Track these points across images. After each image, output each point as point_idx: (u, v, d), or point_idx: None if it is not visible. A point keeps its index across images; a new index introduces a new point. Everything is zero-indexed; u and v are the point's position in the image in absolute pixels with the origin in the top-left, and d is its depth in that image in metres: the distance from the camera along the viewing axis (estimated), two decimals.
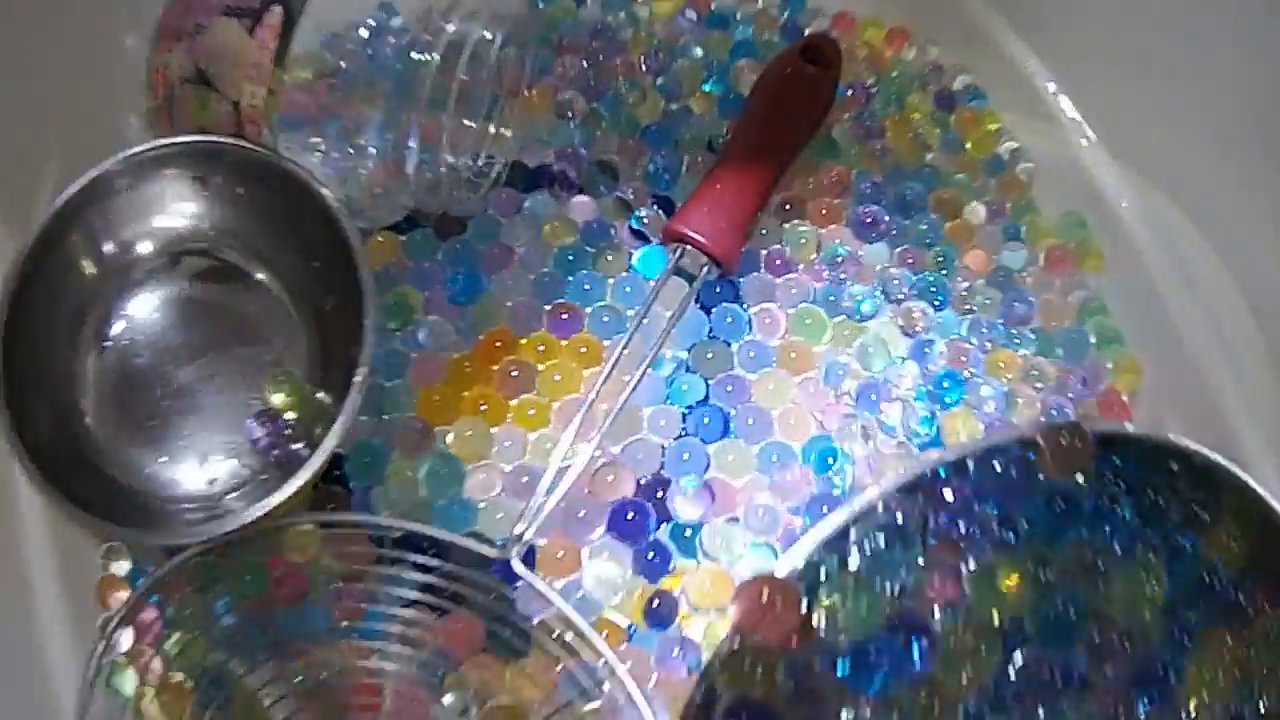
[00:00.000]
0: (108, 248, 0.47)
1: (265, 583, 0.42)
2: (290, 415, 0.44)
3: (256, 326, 0.47)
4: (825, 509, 0.44)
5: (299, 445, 0.44)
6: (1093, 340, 0.51)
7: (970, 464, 0.38)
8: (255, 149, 0.45)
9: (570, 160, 0.52)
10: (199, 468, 0.45)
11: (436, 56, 0.44)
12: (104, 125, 0.49)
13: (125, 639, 0.41)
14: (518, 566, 0.42)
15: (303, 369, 0.46)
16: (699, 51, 0.55)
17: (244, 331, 0.47)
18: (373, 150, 0.45)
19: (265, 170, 0.45)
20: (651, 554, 0.44)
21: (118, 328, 0.47)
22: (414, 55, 0.44)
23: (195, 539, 0.41)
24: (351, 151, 0.45)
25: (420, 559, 0.42)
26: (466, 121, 0.49)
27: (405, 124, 0.44)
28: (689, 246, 0.47)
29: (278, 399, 0.44)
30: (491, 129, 0.51)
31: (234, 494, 0.45)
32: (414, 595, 0.42)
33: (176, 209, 0.47)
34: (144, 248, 0.47)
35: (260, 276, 0.48)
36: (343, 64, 0.45)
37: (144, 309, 0.47)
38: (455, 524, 0.45)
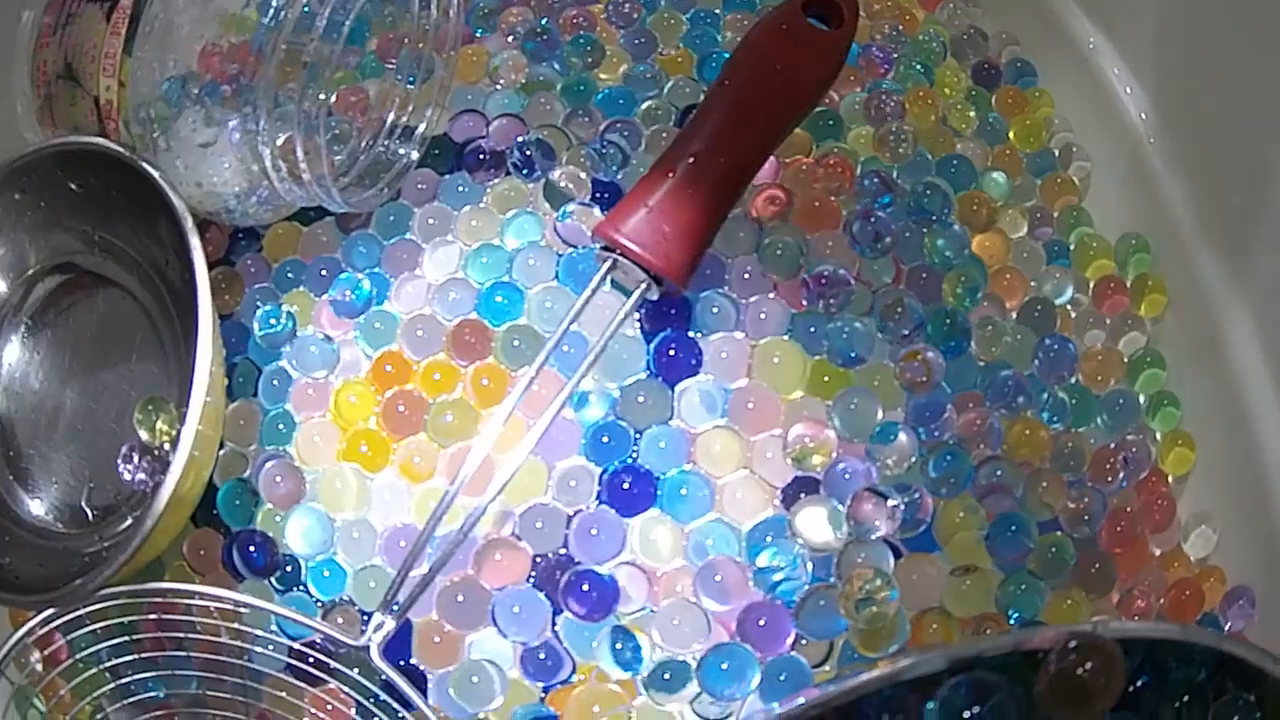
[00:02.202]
0: None
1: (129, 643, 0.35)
2: (165, 446, 0.35)
3: (127, 341, 0.38)
4: (763, 622, 0.31)
5: None
6: (1142, 403, 0.36)
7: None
8: (109, 148, 0.36)
9: (504, 135, 0.38)
10: (84, 502, 0.38)
11: (289, 15, 0.31)
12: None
13: (34, 657, 0.36)
14: (376, 659, 0.31)
15: (176, 386, 0.37)
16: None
17: (114, 349, 0.38)
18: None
19: (127, 171, 0.36)
20: (543, 655, 0.32)
21: None
22: (263, 18, 0.31)
23: (42, 605, 0.34)
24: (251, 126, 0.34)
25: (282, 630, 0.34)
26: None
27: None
28: (621, 256, 0.33)
29: (146, 434, 0.35)
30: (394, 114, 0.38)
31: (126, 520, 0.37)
32: (284, 660, 0.34)
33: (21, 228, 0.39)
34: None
35: (126, 285, 0.38)
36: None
37: (13, 352, 0.39)
38: (326, 587, 0.35)
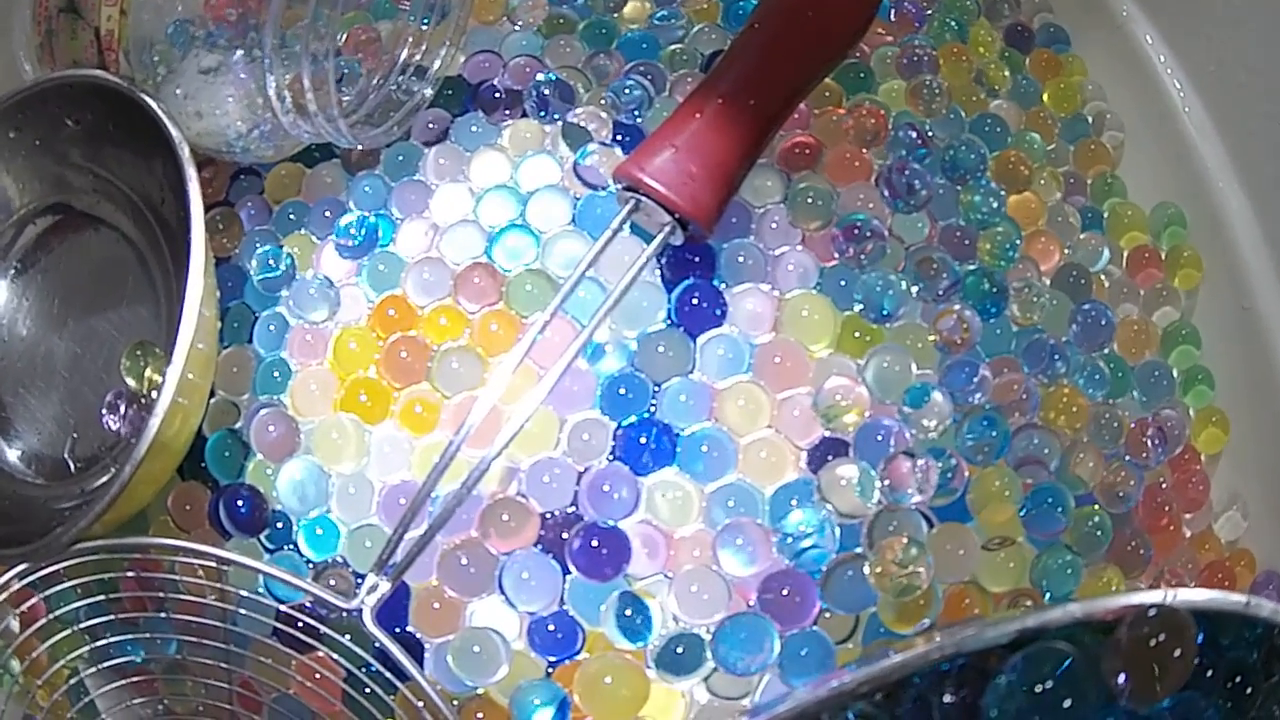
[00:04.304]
0: None
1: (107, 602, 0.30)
2: (153, 395, 0.30)
3: (118, 285, 0.34)
4: (786, 592, 0.26)
5: None
6: (1176, 378, 0.33)
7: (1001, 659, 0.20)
8: (108, 80, 0.31)
9: (522, 76, 0.34)
10: (67, 454, 0.33)
11: None
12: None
13: (8, 615, 0.31)
14: (369, 624, 0.27)
15: (166, 332, 0.32)
16: None
17: (106, 293, 0.34)
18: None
19: (125, 105, 0.31)
20: (553, 626, 0.27)
21: None
22: None
23: (16, 559, 0.30)
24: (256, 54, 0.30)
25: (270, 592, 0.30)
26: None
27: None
28: (645, 197, 0.28)
29: (133, 381, 0.31)
30: (406, 52, 0.34)
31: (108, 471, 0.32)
32: (270, 624, 0.29)
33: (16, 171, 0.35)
34: None
35: (120, 226, 0.34)
36: None
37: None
38: (318, 546, 0.30)
